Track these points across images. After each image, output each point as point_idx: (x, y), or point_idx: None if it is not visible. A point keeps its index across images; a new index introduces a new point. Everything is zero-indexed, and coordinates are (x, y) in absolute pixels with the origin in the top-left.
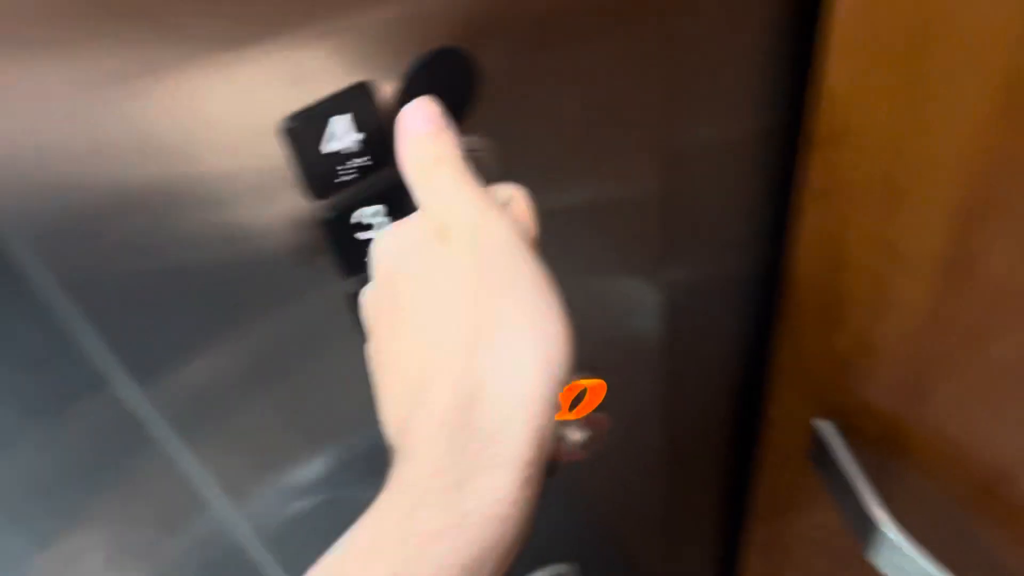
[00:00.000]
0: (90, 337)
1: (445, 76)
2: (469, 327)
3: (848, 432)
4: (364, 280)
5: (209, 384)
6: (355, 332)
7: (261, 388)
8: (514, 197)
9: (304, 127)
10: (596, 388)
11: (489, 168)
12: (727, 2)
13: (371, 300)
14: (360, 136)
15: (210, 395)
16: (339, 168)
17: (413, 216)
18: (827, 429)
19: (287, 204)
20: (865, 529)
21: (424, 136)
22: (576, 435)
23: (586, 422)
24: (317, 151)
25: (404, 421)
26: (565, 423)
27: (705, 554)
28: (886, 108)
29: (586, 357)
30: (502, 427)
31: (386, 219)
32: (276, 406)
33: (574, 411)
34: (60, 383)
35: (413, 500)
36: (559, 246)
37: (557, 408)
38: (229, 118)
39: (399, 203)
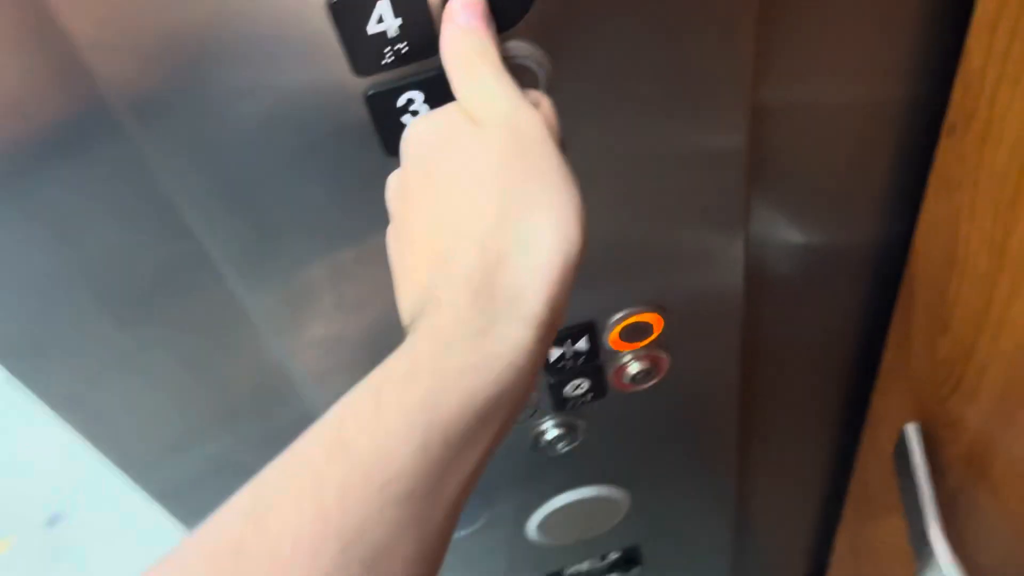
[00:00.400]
0: None
1: None
2: (497, 202)
3: (933, 442)
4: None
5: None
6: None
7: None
8: (541, 102)
9: (350, 4)
10: (659, 323)
11: (534, 74)
12: None
13: (398, 180)
14: (403, 21)
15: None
16: (385, 50)
17: (448, 104)
18: (913, 434)
19: (339, 77)
20: (920, 546)
21: (468, 29)
22: (634, 366)
23: (645, 356)
24: (364, 31)
25: (426, 286)
26: (622, 353)
27: (792, 544)
28: (1022, 96)
29: (653, 293)
30: (522, 289)
31: (424, 105)
32: None
33: (635, 342)
34: None
35: (444, 340)
36: (654, 188)
37: (570, 283)
38: None
39: (438, 91)
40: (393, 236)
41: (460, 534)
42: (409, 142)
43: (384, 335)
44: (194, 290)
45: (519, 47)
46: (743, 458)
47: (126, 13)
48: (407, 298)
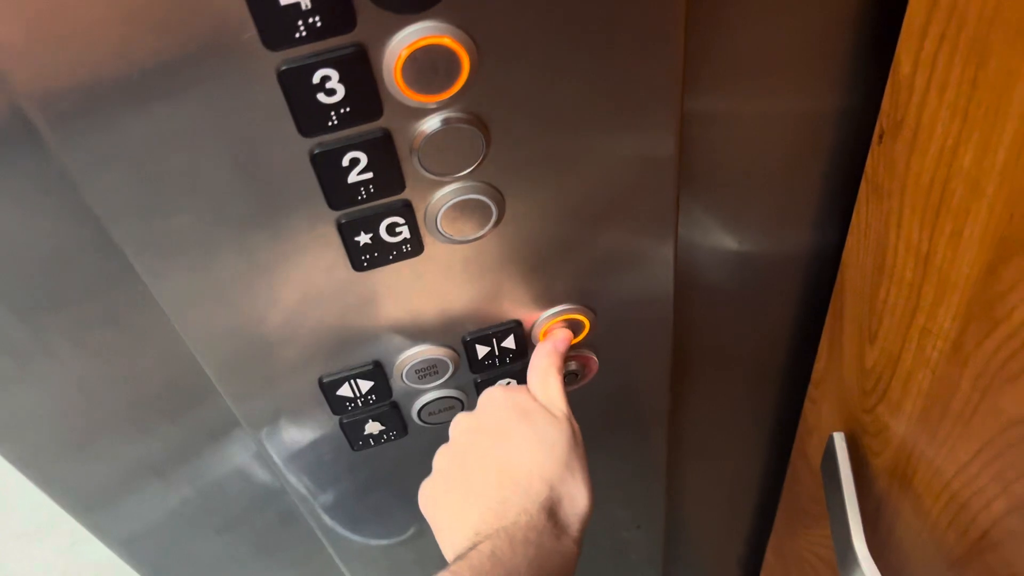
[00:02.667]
0: None
1: None
2: (560, 466)
3: (859, 452)
4: (327, 141)
5: None
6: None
7: None
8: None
9: None
10: (586, 323)
11: (469, 137)
12: None
13: (471, 418)
14: None
15: None
16: (299, 23)
17: (520, 388)
18: (840, 443)
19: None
20: (844, 556)
21: (557, 353)
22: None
23: (573, 356)
24: (276, 2)
25: (505, 500)
26: None
27: (724, 553)
28: (948, 105)
29: (582, 294)
30: (568, 524)
31: (340, 86)
32: None
33: None
34: None
35: (539, 531)
36: (585, 190)
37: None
38: None
39: (352, 73)
40: (452, 455)
41: (389, 542)
42: (492, 397)
43: (291, 331)
44: (96, 274)
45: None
46: (673, 466)
47: None
48: (471, 508)
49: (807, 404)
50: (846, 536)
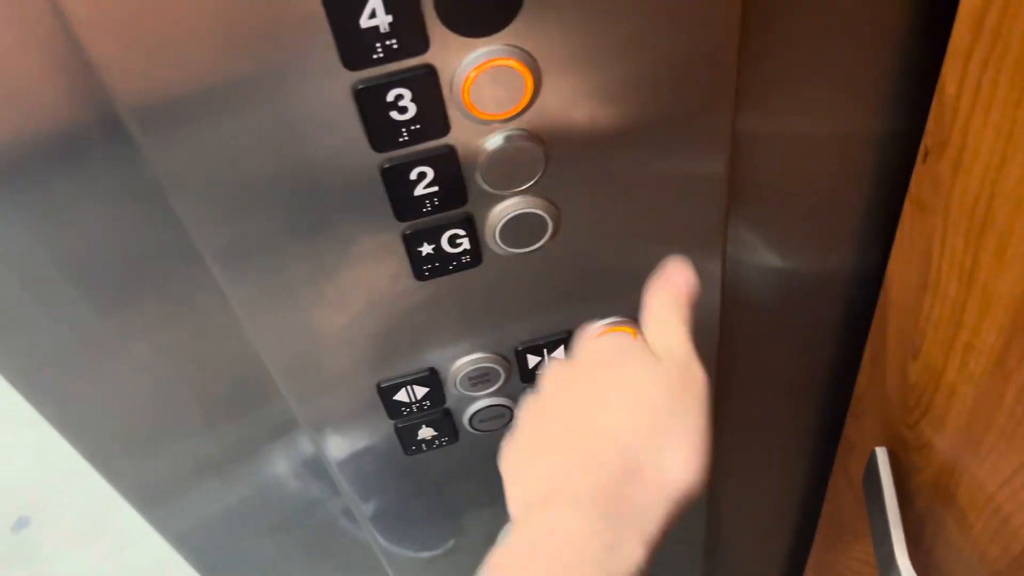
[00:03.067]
0: None
1: None
2: (651, 424)
3: (902, 467)
4: (396, 156)
5: None
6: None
7: None
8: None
9: None
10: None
11: (529, 154)
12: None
13: (564, 367)
14: (394, 19)
15: None
16: (376, 45)
17: (637, 335)
18: (882, 459)
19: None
20: (888, 572)
21: (678, 292)
22: None
23: None
24: (356, 24)
25: (563, 469)
26: None
27: (763, 570)
28: (993, 124)
29: (632, 308)
30: (646, 508)
31: (412, 104)
32: None
33: None
34: None
35: (577, 551)
36: (637, 207)
37: (681, 514)
38: None
39: (424, 92)
40: (538, 408)
41: (430, 554)
42: (590, 344)
43: (353, 336)
44: (176, 278)
45: (516, 132)
46: (715, 479)
47: (136, 14)
48: (532, 469)
49: (849, 420)
50: (889, 552)
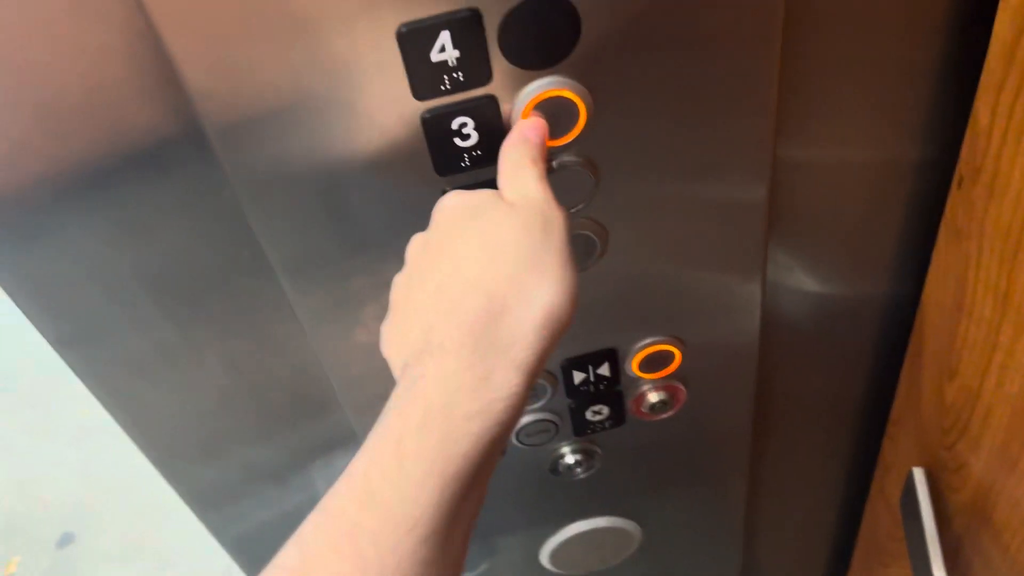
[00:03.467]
0: None
1: (547, 18)
2: (512, 263)
3: (939, 488)
4: (457, 179)
5: None
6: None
7: None
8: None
9: (416, 34)
10: (678, 355)
11: (581, 178)
12: (898, 25)
13: (423, 237)
14: (461, 53)
15: None
16: (444, 77)
17: (487, 189)
18: (920, 479)
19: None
20: None
21: (527, 139)
22: (653, 396)
23: (664, 386)
24: (427, 58)
25: (431, 326)
26: (642, 381)
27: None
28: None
29: (674, 327)
30: (518, 338)
31: (474, 132)
32: None
33: (654, 372)
34: None
35: (451, 389)
36: (682, 231)
37: (555, 342)
38: (368, 20)
39: (486, 120)
40: (403, 283)
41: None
42: (443, 207)
43: None
44: (247, 291)
45: (567, 158)
46: (752, 500)
47: (225, 38)
48: (406, 338)
49: (886, 442)
50: (927, 572)
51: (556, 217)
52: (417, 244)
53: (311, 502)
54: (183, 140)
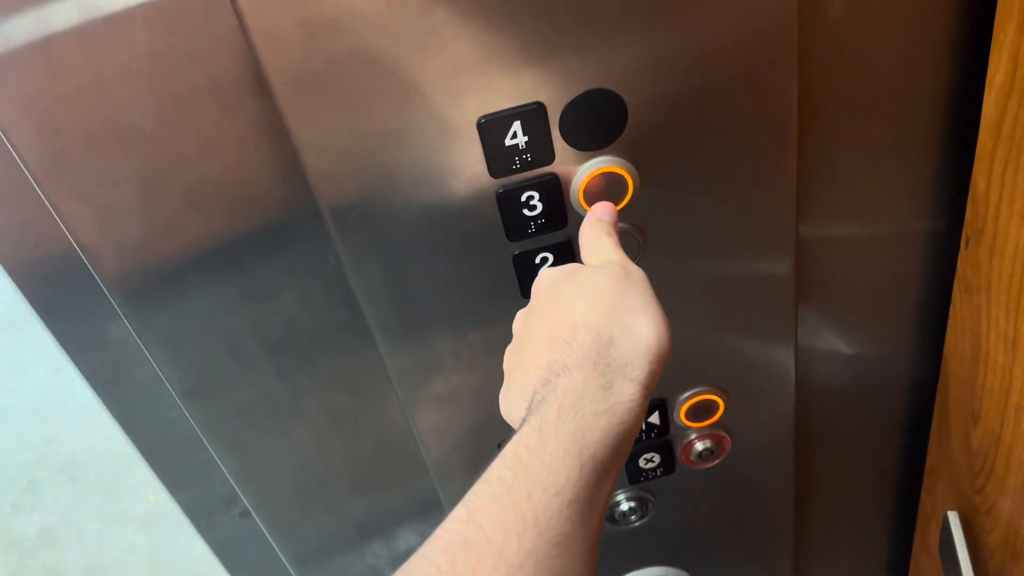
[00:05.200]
0: None
1: (600, 108)
2: (610, 305)
3: (973, 532)
4: (525, 244)
5: None
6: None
7: None
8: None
9: (492, 124)
10: (722, 407)
11: (630, 241)
12: (903, 107)
13: (526, 310)
14: (529, 139)
15: None
16: (515, 158)
17: (573, 263)
18: (954, 523)
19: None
20: None
21: (602, 221)
22: (700, 444)
23: (709, 435)
24: (501, 143)
25: (551, 363)
26: (690, 430)
27: None
28: (1018, 212)
29: (718, 379)
30: (629, 362)
31: (539, 203)
32: None
33: (700, 421)
34: None
35: (579, 393)
36: (721, 298)
37: (661, 367)
38: (454, 113)
39: (549, 194)
40: (515, 348)
41: None
42: (539, 281)
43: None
44: (347, 350)
45: (625, 228)
46: (799, 553)
47: (342, 132)
48: (527, 383)
49: (923, 494)
50: None
51: (637, 271)
52: (521, 315)
53: (391, 565)
54: (301, 217)
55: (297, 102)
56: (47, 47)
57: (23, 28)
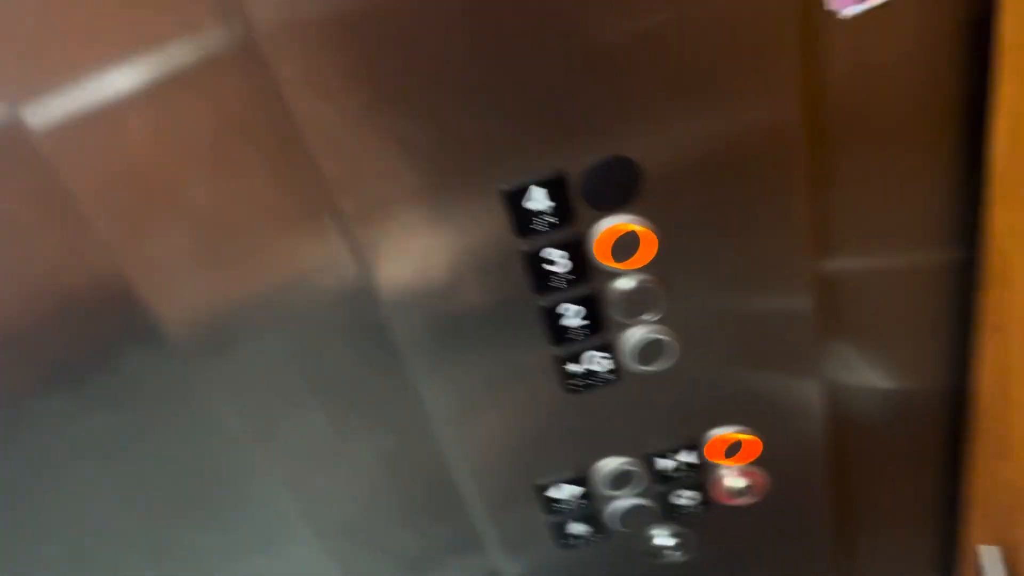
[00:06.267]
0: None
1: (617, 174)
2: None
3: (1013, 565)
4: (548, 297)
5: None
6: (541, 345)
7: None
8: None
9: (515, 189)
10: (753, 444)
11: (655, 293)
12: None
13: None
14: (552, 204)
15: None
16: (535, 219)
17: None
18: (993, 556)
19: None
20: None
21: None
22: (734, 481)
23: (744, 472)
24: (525, 207)
25: None
26: (723, 467)
27: None
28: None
29: (745, 414)
30: None
31: (562, 259)
32: None
33: (732, 458)
34: None
35: None
36: (746, 335)
37: None
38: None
39: (573, 252)
40: None
41: None
42: None
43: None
44: (389, 393)
45: (644, 278)
46: None
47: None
48: None
49: (962, 528)
50: None
51: None
52: None
53: None
54: (345, 274)
55: (341, 176)
56: (113, 111)
57: (90, 92)
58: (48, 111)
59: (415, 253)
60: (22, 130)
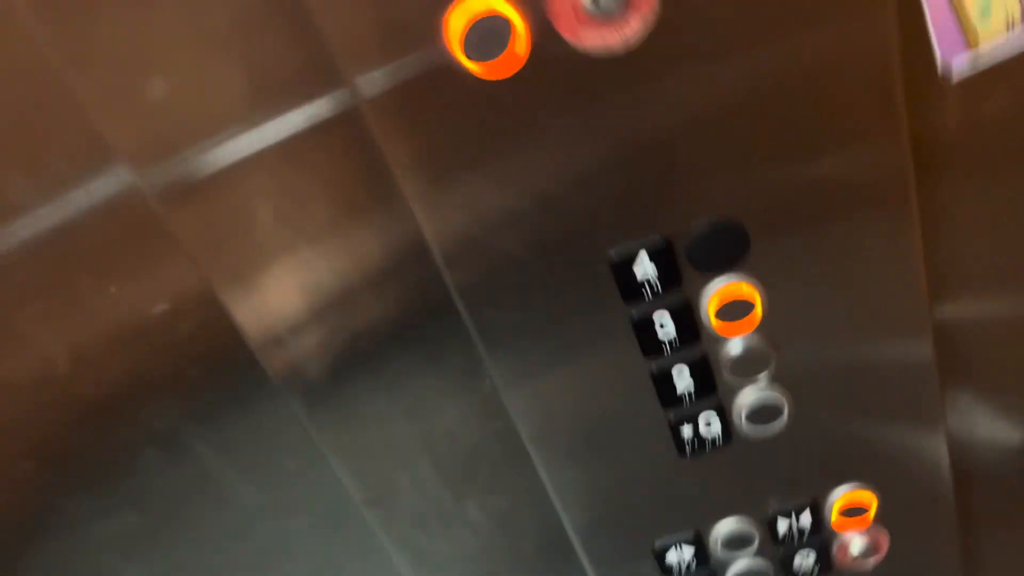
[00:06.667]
0: None
1: (724, 239)
2: None
3: None
4: (658, 361)
5: None
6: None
7: None
8: None
9: (623, 256)
10: (874, 502)
11: (764, 353)
12: None
13: None
14: (658, 270)
15: None
16: (645, 285)
17: None
18: None
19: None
20: None
21: None
22: (856, 542)
23: (865, 533)
24: (632, 273)
25: None
26: (846, 530)
27: None
28: None
29: (865, 472)
30: None
31: (670, 322)
32: None
33: (853, 518)
34: None
35: None
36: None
37: None
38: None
39: (681, 316)
40: None
41: None
42: None
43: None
44: (500, 456)
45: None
46: None
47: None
48: None
49: None
50: None
51: None
52: None
53: None
54: (451, 333)
55: (450, 250)
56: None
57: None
58: (167, 175)
59: (522, 321)
60: (140, 193)
